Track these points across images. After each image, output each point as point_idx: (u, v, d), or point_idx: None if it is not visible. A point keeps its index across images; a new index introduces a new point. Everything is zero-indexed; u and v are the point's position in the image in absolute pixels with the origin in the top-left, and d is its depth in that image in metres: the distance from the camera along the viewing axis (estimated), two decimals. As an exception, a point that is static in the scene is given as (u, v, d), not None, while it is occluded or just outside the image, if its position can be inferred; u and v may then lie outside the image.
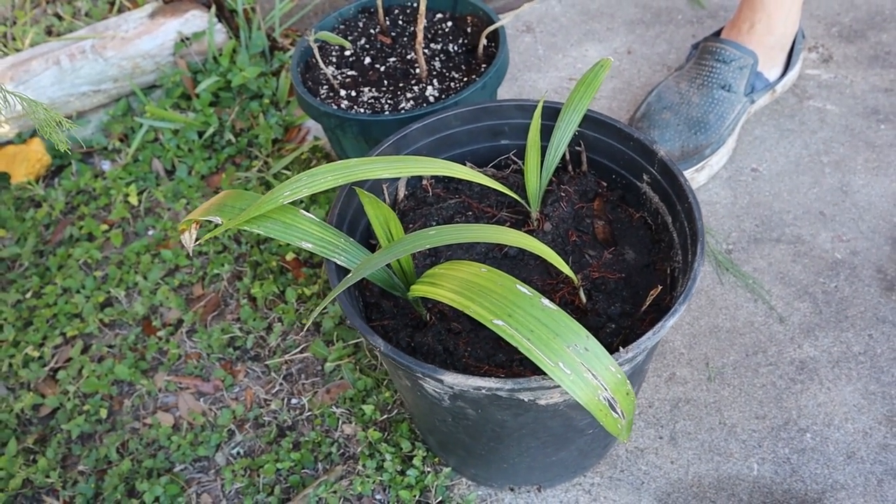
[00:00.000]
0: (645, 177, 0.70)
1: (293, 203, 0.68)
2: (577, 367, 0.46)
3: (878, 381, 0.85)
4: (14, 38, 1.44)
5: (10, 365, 1.00)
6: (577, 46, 1.30)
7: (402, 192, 0.76)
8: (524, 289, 0.49)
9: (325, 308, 0.99)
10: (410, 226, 0.74)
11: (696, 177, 1.03)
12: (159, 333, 1.01)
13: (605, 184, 0.75)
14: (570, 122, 0.71)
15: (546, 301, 0.48)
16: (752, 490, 0.78)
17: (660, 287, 0.57)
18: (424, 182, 0.77)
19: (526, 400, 0.56)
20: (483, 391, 0.54)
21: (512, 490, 0.81)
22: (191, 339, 1.00)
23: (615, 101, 1.21)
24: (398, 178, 0.75)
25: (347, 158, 0.98)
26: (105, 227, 1.15)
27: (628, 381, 0.48)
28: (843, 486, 0.78)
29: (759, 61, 1.05)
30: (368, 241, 0.73)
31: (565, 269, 0.59)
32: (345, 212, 0.68)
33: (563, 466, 0.75)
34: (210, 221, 0.65)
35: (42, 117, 0.68)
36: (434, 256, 0.71)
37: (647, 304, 0.59)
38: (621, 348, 0.54)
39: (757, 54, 1.04)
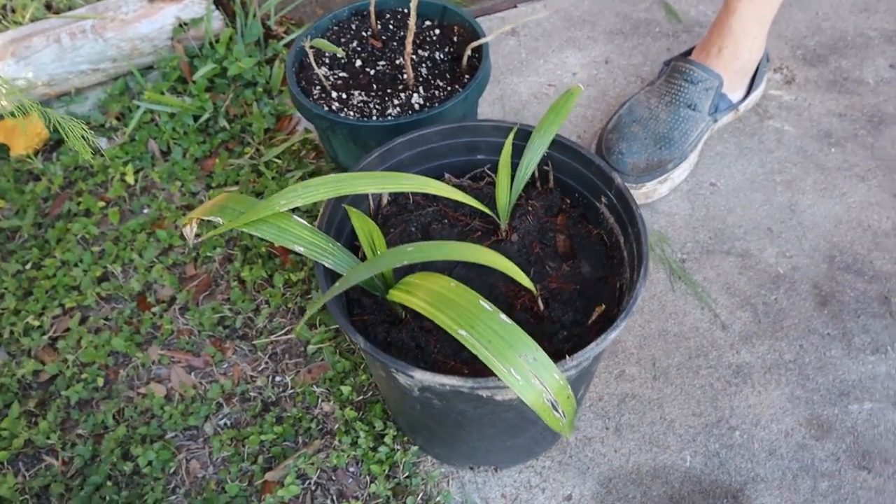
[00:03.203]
0: (603, 199, 0.78)
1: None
2: (526, 374, 0.55)
3: (804, 388, 0.95)
4: (13, 11, 1.48)
5: (12, 332, 1.07)
6: (559, 52, 1.38)
7: (385, 199, 0.84)
8: (486, 304, 0.57)
9: (309, 296, 1.07)
10: (391, 230, 0.82)
11: (658, 188, 1.11)
12: (153, 309, 1.09)
13: (568, 201, 0.83)
14: (539, 145, 0.79)
15: (503, 316, 0.56)
16: (683, 479, 0.88)
17: (603, 306, 0.66)
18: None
19: (484, 396, 0.65)
20: (447, 387, 0.62)
21: (472, 469, 0.90)
22: (183, 316, 1.08)
23: (590, 109, 1.28)
24: (383, 186, 0.83)
25: (336, 155, 1.06)
26: (102, 203, 1.22)
27: (569, 387, 0.57)
28: (763, 479, 0.88)
29: (724, 83, 1.14)
30: (353, 242, 0.80)
31: (527, 282, 0.67)
32: (332, 217, 0.76)
33: (518, 450, 0.85)
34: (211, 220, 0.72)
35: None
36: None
37: (593, 318, 0.68)
38: (567, 357, 0.62)
39: (723, 77, 1.13)
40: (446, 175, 0.86)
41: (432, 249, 0.60)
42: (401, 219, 0.82)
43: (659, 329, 1.01)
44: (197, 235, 1.16)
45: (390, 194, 0.85)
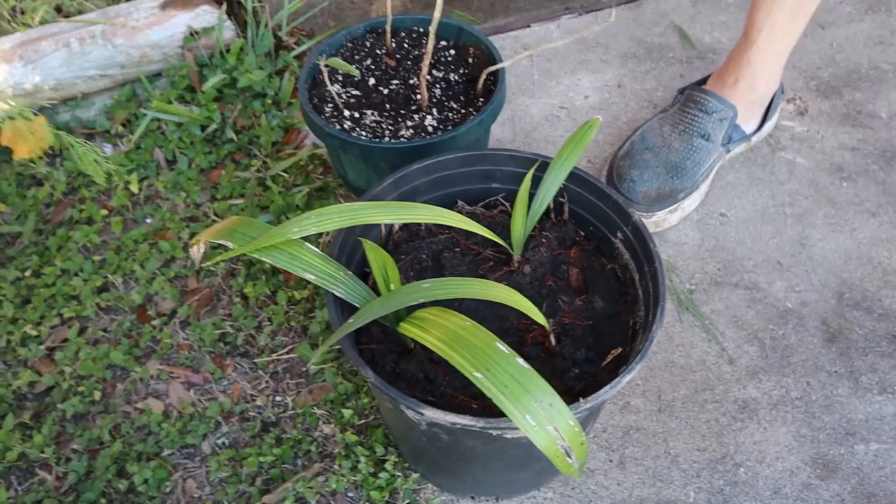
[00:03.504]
0: (619, 234, 0.77)
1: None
2: (541, 420, 0.54)
3: (810, 426, 0.94)
4: (23, 13, 1.46)
5: (9, 342, 1.05)
6: (571, 75, 1.37)
7: (397, 225, 0.83)
8: (502, 347, 0.56)
9: (312, 314, 1.05)
10: (402, 257, 0.81)
11: (668, 217, 1.10)
12: (153, 322, 1.07)
13: (582, 234, 0.83)
14: (556, 177, 0.78)
15: (520, 360, 0.55)
16: (687, 517, 0.87)
17: (620, 349, 0.65)
18: (418, 216, 0.83)
19: (495, 434, 0.64)
20: (458, 426, 0.61)
21: (473, 498, 0.89)
22: (184, 331, 1.06)
23: (601, 133, 1.28)
24: (395, 212, 0.82)
25: (346, 174, 1.05)
26: (105, 212, 1.20)
27: (584, 434, 0.56)
28: (768, 519, 0.87)
29: (739, 115, 1.13)
30: (363, 269, 0.79)
31: (541, 319, 0.66)
32: (344, 244, 0.74)
33: (522, 483, 0.83)
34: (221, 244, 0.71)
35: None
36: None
37: (607, 360, 0.67)
38: (581, 399, 0.61)
39: (738, 109, 1.12)
40: (459, 202, 0.85)
41: (448, 287, 0.59)
42: (412, 245, 0.81)
43: (665, 361, 1.00)
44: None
45: (416, 222, 0.84)
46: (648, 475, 0.91)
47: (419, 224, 0.83)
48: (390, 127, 0.99)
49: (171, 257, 1.14)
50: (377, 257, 0.64)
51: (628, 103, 1.32)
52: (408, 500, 0.89)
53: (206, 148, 1.27)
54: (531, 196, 0.79)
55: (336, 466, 0.92)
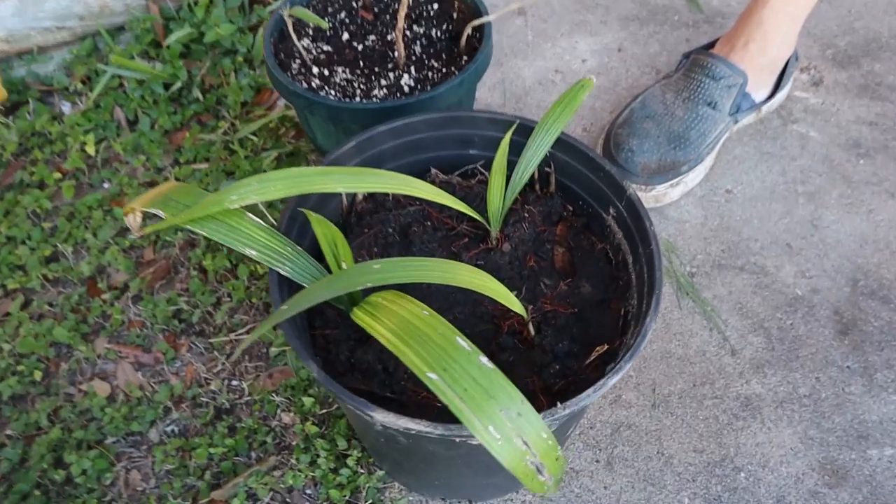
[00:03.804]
0: (611, 210, 0.68)
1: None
2: (507, 433, 0.45)
3: (818, 427, 0.85)
4: (-21, -43, 1.35)
5: (-56, 314, 0.97)
6: (568, 37, 1.26)
7: (360, 194, 0.73)
8: (463, 342, 0.47)
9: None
10: (365, 230, 0.71)
11: (669, 192, 1.01)
12: (104, 296, 0.98)
13: (571, 209, 0.73)
14: (541, 144, 0.68)
15: (484, 359, 0.46)
16: (680, 525, 0.79)
17: (606, 346, 0.56)
18: (385, 185, 0.74)
19: (457, 440, 0.55)
20: (413, 431, 0.52)
21: (444, 500, 0.80)
22: (136, 306, 0.97)
23: (599, 100, 1.17)
24: (358, 180, 0.72)
25: (315, 137, 0.95)
26: (58, 175, 1.11)
27: (559, 447, 0.47)
28: (769, 530, 0.78)
29: (749, 82, 1.03)
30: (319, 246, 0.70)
31: (516, 306, 0.57)
32: (296, 216, 0.65)
33: (495, 487, 0.75)
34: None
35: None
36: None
37: (591, 359, 0.58)
38: (559, 404, 0.52)
39: (747, 75, 1.02)
40: (433, 170, 0.75)
41: (404, 269, 0.50)
42: (377, 218, 0.72)
43: (661, 350, 0.91)
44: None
45: (377, 192, 0.74)
46: (639, 478, 0.82)
47: (386, 194, 0.74)
48: (362, 86, 0.89)
49: (127, 226, 1.05)
50: (325, 231, 0.55)
51: (629, 69, 1.21)
52: (371, 500, 0.81)
53: (170, 108, 1.17)
54: (512, 164, 0.69)
55: (293, 460, 0.84)
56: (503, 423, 0.45)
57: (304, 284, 0.60)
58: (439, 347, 0.47)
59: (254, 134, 1.12)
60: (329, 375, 0.61)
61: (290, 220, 0.64)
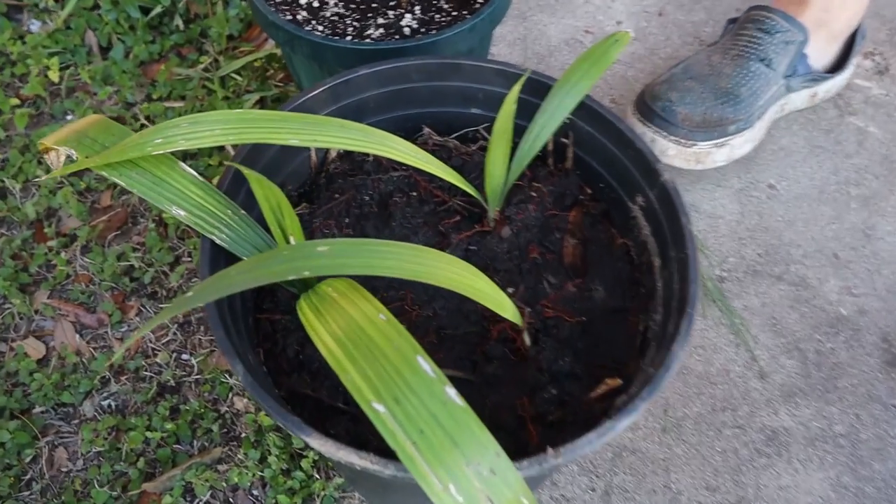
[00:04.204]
0: (639, 198, 0.55)
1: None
2: (474, 496, 0.32)
3: (854, 474, 0.72)
4: None
5: None
6: (605, -6, 1.12)
7: (334, 152, 0.60)
8: (426, 365, 0.34)
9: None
10: (336, 196, 0.58)
11: (713, 153, 0.86)
12: (50, 243, 0.86)
13: (589, 191, 0.60)
14: (560, 107, 0.55)
15: (451, 391, 0.34)
16: (682, 576, 0.67)
17: (619, 381, 0.43)
18: (367, 144, 0.61)
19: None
20: (357, 467, 0.40)
21: (408, 517, 0.69)
22: (84, 257, 0.85)
23: (632, 69, 1.03)
24: (333, 134, 0.59)
25: (300, 80, 0.82)
26: (16, 101, 0.98)
27: (544, 516, 0.35)
28: (788, 592, 0.66)
29: (809, 41, 0.88)
30: (278, 208, 0.57)
31: (509, 313, 0.45)
32: (242, 175, 0.52)
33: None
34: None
35: None
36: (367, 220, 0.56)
37: (599, 392, 0.45)
38: (549, 449, 0.40)
39: (808, 30, 0.87)
40: (426, 130, 0.62)
41: (358, 255, 0.37)
42: (352, 182, 0.59)
43: (679, 364, 0.78)
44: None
45: (343, 149, 0.61)
46: (638, 511, 0.70)
47: (366, 153, 0.61)
48: (355, 23, 0.75)
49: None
50: (267, 194, 0.42)
51: (669, 35, 1.07)
52: (324, 510, 0.69)
53: (148, 35, 1.04)
54: (522, 130, 0.56)
55: (241, 455, 0.72)
56: (469, 483, 0.33)
57: (245, 258, 0.47)
58: (393, 368, 0.34)
59: (237, 73, 0.98)
60: (271, 372, 0.49)
61: (236, 178, 0.51)
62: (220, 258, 0.48)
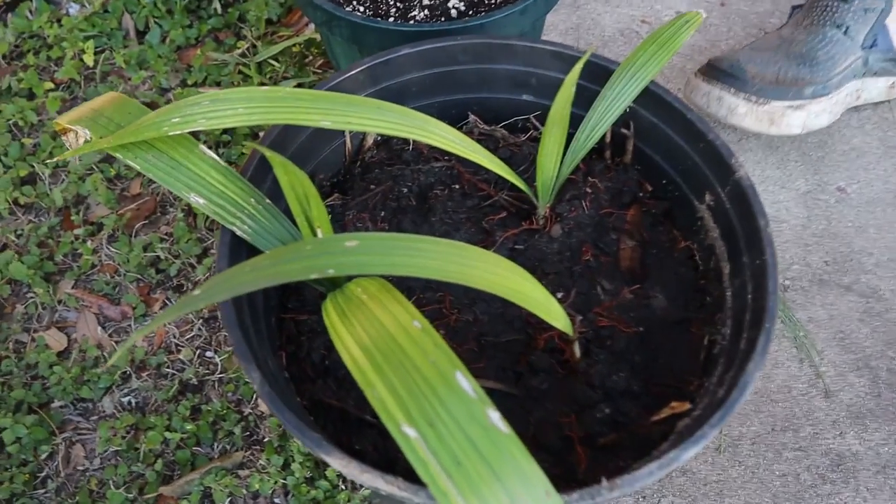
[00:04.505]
0: (708, 196, 0.49)
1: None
2: (518, 541, 0.27)
3: (935, 508, 0.65)
4: None
5: None
6: (661, -17, 1.05)
7: (370, 139, 0.55)
8: (466, 384, 0.29)
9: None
10: (372, 187, 0.54)
11: (789, 115, 0.78)
12: (77, 231, 0.83)
13: (650, 188, 0.54)
14: (622, 94, 0.49)
15: (495, 415, 0.29)
16: None
17: (687, 405, 0.37)
18: (406, 131, 0.56)
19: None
20: (383, 492, 0.35)
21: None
22: (110, 247, 0.82)
23: (692, 61, 0.97)
24: (370, 120, 0.54)
25: (338, 64, 0.77)
26: (50, 85, 0.96)
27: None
28: None
29: (892, 11, 0.81)
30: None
31: (560, 321, 0.39)
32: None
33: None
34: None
35: None
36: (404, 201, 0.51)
37: (661, 416, 0.40)
38: (604, 480, 0.34)
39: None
40: (472, 117, 0.57)
41: (390, 252, 0.32)
42: (389, 172, 0.54)
43: (753, 385, 0.72)
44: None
45: (380, 133, 0.56)
46: (689, 539, 0.64)
47: (405, 140, 0.56)
48: (399, 4, 0.70)
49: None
50: (293, 181, 0.37)
51: (732, 27, 1.00)
52: (350, 524, 0.65)
53: (185, 20, 1.01)
54: (577, 120, 0.51)
55: (263, 460, 0.68)
56: (513, 526, 0.27)
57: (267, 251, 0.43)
58: (428, 386, 0.30)
59: (275, 58, 0.95)
60: (294, 378, 0.44)
61: (261, 164, 0.46)
62: (242, 252, 0.44)
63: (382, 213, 0.53)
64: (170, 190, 0.42)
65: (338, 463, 0.35)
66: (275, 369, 0.43)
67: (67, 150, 0.77)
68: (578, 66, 0.42)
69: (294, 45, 0.95)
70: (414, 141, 0.56)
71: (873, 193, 0.85)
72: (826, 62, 0.77)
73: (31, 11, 1.03)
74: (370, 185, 0.54)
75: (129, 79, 0.97)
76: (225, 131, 0.88)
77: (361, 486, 0.66)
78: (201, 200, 0.43)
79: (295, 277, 0.31)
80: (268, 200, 0.44)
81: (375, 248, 0.33)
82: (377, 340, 0.32)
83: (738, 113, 0.77)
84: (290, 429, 0.36)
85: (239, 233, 0.43)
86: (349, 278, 0.40)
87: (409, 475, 0.37)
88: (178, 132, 0.40)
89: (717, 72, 0.78)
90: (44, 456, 0.70)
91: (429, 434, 0.28)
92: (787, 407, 0.71)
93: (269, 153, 0.35)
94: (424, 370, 0.30)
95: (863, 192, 0.85)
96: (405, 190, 0.54)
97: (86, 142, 0.46)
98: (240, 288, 0.30)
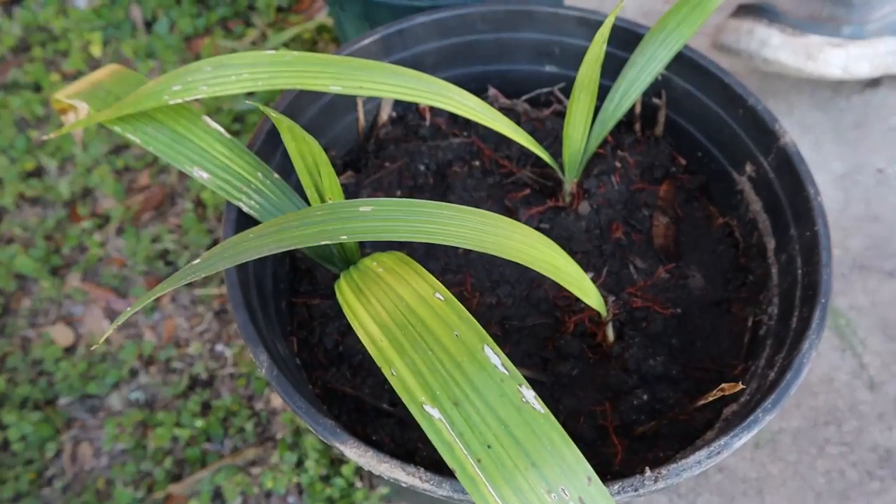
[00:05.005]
0: (749, 167, 0.45)
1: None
2: (556, 533, 0.24)
3: None
4: None
5: None
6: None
7: (385, 114, 0.52)
8: (496, 358, 0.26)
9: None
10: (387, 164, 0.51)
11: (828, 53, 0.73)
12: (84, 223, 0.81)
13: (683, 162, 0.51)
14: (653, 59, 0.46)
15: (529, 393, 0.25)
16: None
17: (740, 385, 0.34)
18: (422, 105, 0.53)
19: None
20: (405, 484, 0.32)
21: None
22: (118, 238, 0.80)
23: (716, 43, 0.93)
24: (384, 93, 0.51)
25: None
26: (57, 77, 0.94)
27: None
28: None
29: None
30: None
31: (593, 299, 0.36)
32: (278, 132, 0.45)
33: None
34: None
35: None
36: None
37: (709, 399, 0.36)
38: (648, 470, 0.31)
39: None
40: (492, 90, 0.54)
41: (409, 216, 0.29)
42: (405, 148, 0.51)
43: (809, 366, 0.68)
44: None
45: (396, 108, 0.53)
46: (727, 539, 0.61)
47: (423, 116, 0.53)
48: (412, -21, 0.67)
49: (125, 143, 0.87)
50: (302, 149, 0.34)
51: None
52: (367, 524, 0.61)
53: (194, 9, 0.98)
54: (605, 91, 0.47)
55: (276, 458, 0.65)
56: (550, 517, 0.24)
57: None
58: (452, 362, 0.26)
59: (285, 45, 0.92)
60: (305, 366, 0.41)
61: (270, 136, 0.43)
62: (243, 224, 0.41)
63: (398, 192, 0.50)
64: (172, 163, 0.39)
65: (353, 452, 0.32)
66: (285, 355, 0.40)
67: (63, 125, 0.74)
68: (609, 21, 0.39)
69: (304, 31, 0.92)
70: (431, 116, 0.53)
71: (914, 175, 0.80)
72: (862, 6, 0.73)
73: (37, 2, 1.02)
74: (385, 163, 0.51)
75: (137, 69, 0.94)
76: (236, 119, 0.86)
77: (379, 485, 0.63)
78: (205, 175, 0.40)
79: (304, 244, 0.27)
80: (276, 175, 0.42)
81: (394, 214, 0.30)
82: (395, 315, 0.29)
83: (771, 45, 0.71)
84: (300, 415, 0.33)
85: (245, 209, 0.40)
86: (364, 256, 0.36)
87: (431, 465, 0.33)
88: (180, 100, 0.37)
89: (747, 8, 0.74)
90: (50, 454, 0.67)
91: (454, 415, 0.25)
92: (829, 400, 0.67)
93: (274, 115, 0.32)
94: (448, 345, 0.27)
95: (903, 174, 0.81)
96: (422, 167, 0.51)
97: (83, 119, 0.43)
98: (243, 255, 0.27)
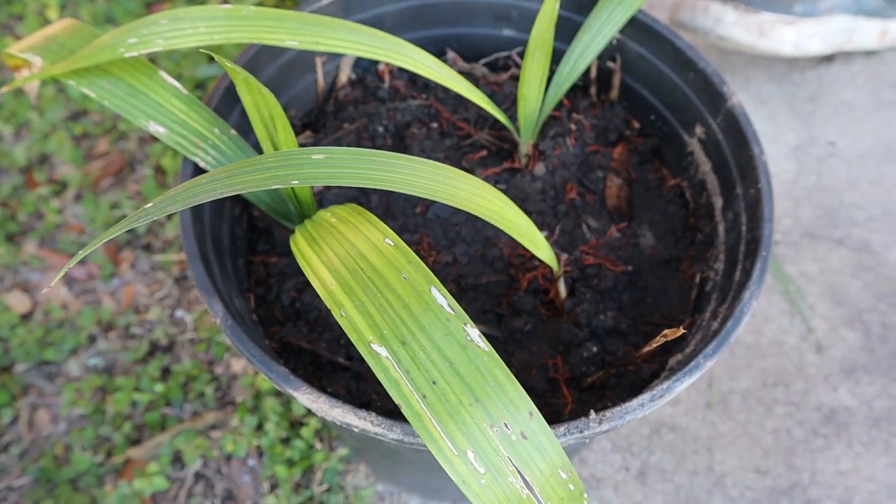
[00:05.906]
0: (698, 129, 0.46)
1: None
2: (498, 466, 0.25)
3: (928, 461, 0.64)
4: None
5: None
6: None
7: (344, 76, 0.52)
8: (442, 299, 0.27)
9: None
10: (346, 125, 0.51)
11: (780, 31, 0.75)
12: (41, 190, 0.80)
13: (637, 125, 0.52)
14: (608, 22, 0.47)
15: (474, 332, 0.26)
16: (728, 570, 0.59)
17: (681, 330, 0.35)
18: (381, 67, 0.53)
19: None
20: (357, 429, 0.33)
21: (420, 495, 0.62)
22: (76, 205, 0.79)
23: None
24: (342, 55, 0.51)
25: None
26: (11, 41, 0.92)
27: (584, 494, 0.27)
28: (850, 592, 0.59)
29: None
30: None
31: (544, 252, 0.37)
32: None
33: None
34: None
35: None
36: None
37: (653, 346, 0.37)
38: (593, 413, 0.32)
39: None
40: (450, 54, 0.54)
41: (361, 165, 0.30)
42: (364, 110, 0.51)
43: (749, 315, 0.70)
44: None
45: (356, 69, 0.53)
46: (679, 498, 0.63)
47: (381, 79, 0.53)
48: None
49: (83, 109, 0.86)
50: (257, 102, 0.34)
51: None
52: (327, 485, 0.62)
53: (153, -26, 0.96)
54: (560, 55, 0.48)
55: (236, 421, 0.65)
56: (492, 450, 0.25)
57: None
58: (400, 303, 0.27)
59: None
60: (262, 322, 0.42)
61: (228, 94, 0.43)
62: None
63: (357, 153, 0.50)
64: (127, 117, 0.39)
65: (306, 398, 0.32)
66: (242, 310, 0.40)
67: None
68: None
69: (269, -3, 0.91)
70: (390, 79, 0.53)
71: (865, 147, 0.83)
72: None
73: (-9, -34, 0.99)
74: (343, 124, 0.51)
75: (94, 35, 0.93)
76: (198, 86, 0.85)
77: (338, 447, 0.64)
78: (161, 129, 0.40)
79: (255, 187, 0.28)
80: (234, 132, 0.42)
81: (345, 161, 0.30)
82: (346, 260, 0.29)
83: (725, 22, 0.73)
84: (254, 363, 0.33)
85: (202, 164, 0.40)
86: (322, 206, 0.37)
87: (384, 413, 0.34)
88: (136, 53, 0.37)
89: None
90: (6, 420, 0.67)
91: (401, 353, 0.26)
92: (778, 362, 0.69)
93: (229, 65, 0.32)
94: (397, 287, 0.27)
95: (854, 147, 0.83)
96: (380, 129, 0.51)
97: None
98: (195, 199, 0.28)
